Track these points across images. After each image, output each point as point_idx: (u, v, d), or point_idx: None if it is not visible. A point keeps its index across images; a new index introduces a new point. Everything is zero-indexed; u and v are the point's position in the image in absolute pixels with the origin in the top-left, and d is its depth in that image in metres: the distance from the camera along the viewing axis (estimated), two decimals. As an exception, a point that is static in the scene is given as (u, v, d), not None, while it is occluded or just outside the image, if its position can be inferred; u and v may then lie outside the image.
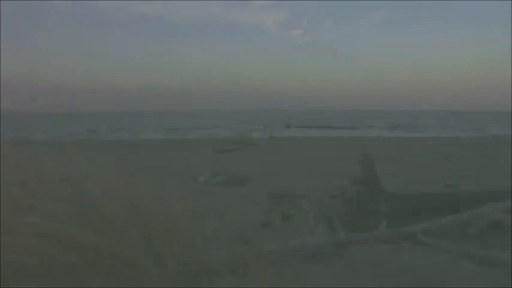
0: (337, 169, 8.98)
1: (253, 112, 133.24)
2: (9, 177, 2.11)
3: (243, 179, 8.12)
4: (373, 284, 2.43)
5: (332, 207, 4.84)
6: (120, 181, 2.45)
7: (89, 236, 1.98)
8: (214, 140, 20.59)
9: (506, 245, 3.44)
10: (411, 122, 55.43)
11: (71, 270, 1.80)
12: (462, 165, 10.87)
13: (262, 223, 4.90)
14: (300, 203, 5.10)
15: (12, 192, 1.99)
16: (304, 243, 3.35)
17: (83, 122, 53.42)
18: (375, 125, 47.37)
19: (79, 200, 2.13)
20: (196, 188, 7.52)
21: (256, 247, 3.30)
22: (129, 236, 2.16)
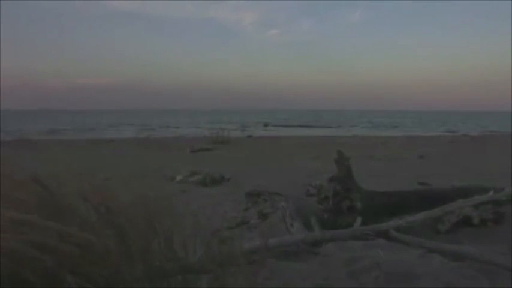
0: (314, 167, 9.09)
1: (231, 111, 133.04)
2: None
3: (221, 178, 8.09)
4: (347, 280, 2.47)
5: (308, 205, 4.89)
6: (92, 181, 2.40)
7: (60, 237, 1.93)
8: (192, 139, 20.45)
9: (474, 239, 3.56)
10: (388, 121, 56.57)
11: (41, 271, 1.76)
12: (435, 163, 11.18)
13: (239, 222, 4.90)
14: (276, 201, 5.12)
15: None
16: (281, 242, 3.36)
17: (55, 120, 51.88)
18: (352, 124, 48.08)
19: (48, 200, 2.08)
20: (173, 187, 7.46)
21: (232, 246, 3.30)
22: (102, 236, 2.12)
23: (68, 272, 1.74)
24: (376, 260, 2.69)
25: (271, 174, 8.99)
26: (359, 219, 4.01)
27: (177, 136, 25.70)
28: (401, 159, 11.97)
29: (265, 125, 45.67)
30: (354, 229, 3.72)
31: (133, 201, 2.21)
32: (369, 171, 8.69)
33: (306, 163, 10.85)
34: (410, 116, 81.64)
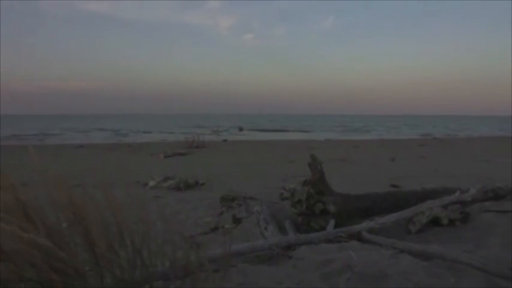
0: (288, 171, 9.15)
1: (206, 116, 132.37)
2: None
3: (195, 182, 8.03)
4: (320, 282, 2.49)
5: (283, 209, 4.91)
6: (62, 187, 2.34)
7: (29, 245, 1.87)
8: (166, 143, 20.20)
9: (442, 239, 3.67)
10: (361, 125, 57.62)
11: (6, 283, 1.69)
12: (406, 165, 11.46)
13: (213, 227, 4.87)
14: (251, 205, 5.12)
15: None
16: (254, 246, 3.36)
17: (20, 125, 50.01)
18: (325, 129, 48.70)
19: (16, 207, 2.01)
20: (146, 193, 7.34)
21: (206, 251, 3.28)
22: (70, 244, 2.07)
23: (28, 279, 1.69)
24: (349, 262, 2.73)
25: (246, 178, 9.00)
26: (332, 222, 4.06)
27: (151, 141, 25.32)
28: (374, 163, 12.21)
29: (240, 129, 45.69)
30: (327, 232, 3.76)
31: (102, 208, 2.16)
32: (342, 175, 8.82)
33: (280, 167, 10.91)
34: (382, 120, 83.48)
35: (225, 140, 25.41)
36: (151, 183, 8.08)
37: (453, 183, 6.01)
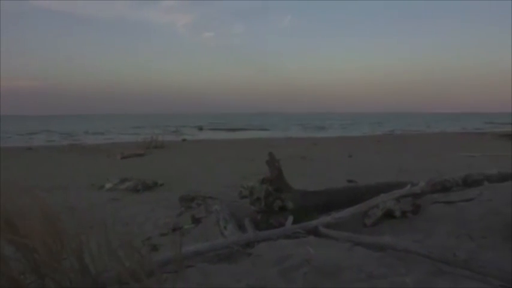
0: (248, 170, 9.17)
1: (165, 115, 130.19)
2: None
3: (153, 183, 7.89)
4: (278, 278, 2.52)
5: (242, 207, 4.91)
6: (9, 190, 2.22)
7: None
8: (123, 144, 19.65)
9: (396, 230, 3.81)
10: (320, 123, 58.79)
11: None
12: (363, 161, 11.83)
13: (172, 228, 4.81)
14: (210, 205, 5.10)
15: None
16: (213, 245, 3.35)
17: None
18: (285, 126, 49.28)
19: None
20: (101, 195, 7.12)
21: (165, 252, 3.23)
22: (11, 251, 1.97)
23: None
24: (306, 257, 2.78)
25: (206, 178, 8.94)
26: (290, 218, 4.11)
27: (107, 142, 24.50)
28: (332, 159, 12.50)
29: (200, 128, 45.31)
30: (285, 228, 3.81)
31: (44, 215, 2.06)
32: (302, 172, 8.97)
33: (240, 166, 10.93)
34: (342, 118, 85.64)
35: (184, 140, 25.09)
36: (108, 185, 7.84)
37: (406, 177, 6.27)
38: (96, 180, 8.40)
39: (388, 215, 4.30)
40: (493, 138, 20.74)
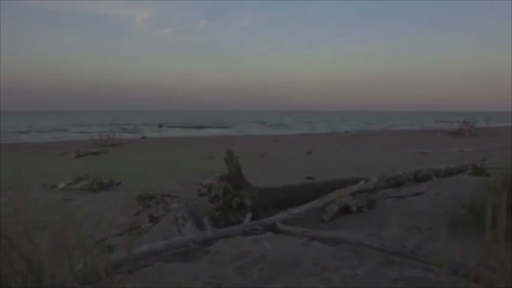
0: (207, 167, 9.12)
1: (123, 113, 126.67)
2: None
3: (110, 182, 7.66)
4: (235, 274, 2.54)
5: (201, 205, 4.89)
6: None
7: None
8: (78, 142, 18.94)
9: (351, 225, 3.94)
10: (279, 121, 59.39)
11: None
12: (321, 158, 12.08)
13: (129, 227, 4.70)
14: (169, 203, 5.03)
15: None
16: (170, 244, 3.31)
17: None
18: (245, 124, 49.38)
19: None
20: (54, 195, 6.83)
21: (121, 252, 3.15)
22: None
23: None
24: (263, 253, 2.82)
25: (165, 176, 8.80)
26: (249, 215, 4.14)
27: (60, 140, 23.46)
28: (291, 156, 12.68)
29: (160, 126, 44.48)
30: (243, 225, 3.84)
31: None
32: (261, 169, 9.04)
33: (200, 163, 10.84)
34: (302, 116, 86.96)
35: (143, 138, 24.54)
36: (61, 185, 7.53)
37: (362, 173, 6.47)
38: (48, 180, 8.03)
39: (345, 210, 4.43)
40: (443, 136, 21.87)
